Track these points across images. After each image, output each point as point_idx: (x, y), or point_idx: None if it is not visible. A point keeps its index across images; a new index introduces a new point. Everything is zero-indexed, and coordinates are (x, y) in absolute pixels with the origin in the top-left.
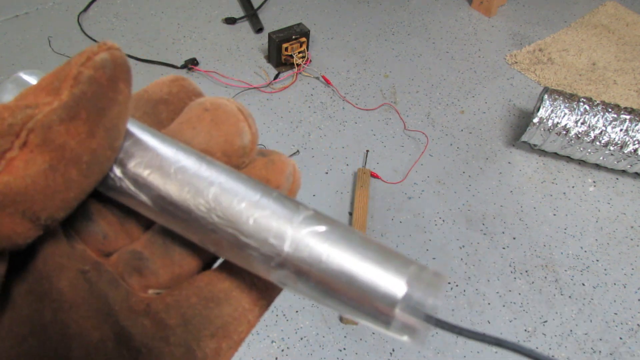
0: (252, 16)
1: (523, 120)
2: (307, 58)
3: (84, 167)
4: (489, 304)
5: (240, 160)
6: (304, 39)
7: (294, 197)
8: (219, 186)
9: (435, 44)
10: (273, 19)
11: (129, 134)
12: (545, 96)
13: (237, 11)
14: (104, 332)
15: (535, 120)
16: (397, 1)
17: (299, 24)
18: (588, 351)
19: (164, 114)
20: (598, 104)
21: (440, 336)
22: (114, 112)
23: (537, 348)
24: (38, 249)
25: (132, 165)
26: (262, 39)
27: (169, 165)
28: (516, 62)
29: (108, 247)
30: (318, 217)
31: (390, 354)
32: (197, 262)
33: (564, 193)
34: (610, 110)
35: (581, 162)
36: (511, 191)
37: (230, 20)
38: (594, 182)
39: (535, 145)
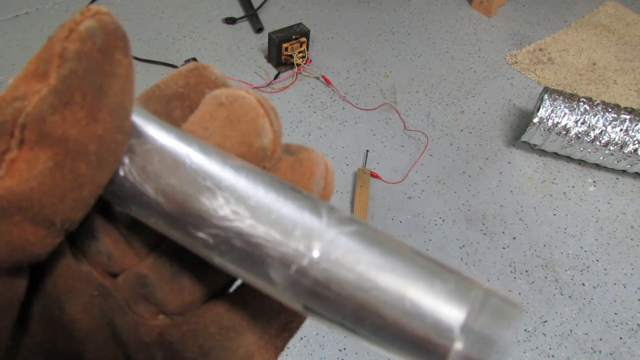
0: (252, 16)
1: (523, 120)
2: (307, 58)
3: (93, 158)
4: None
5: (261, 164)
6: (304, 39)
7: (328, 199)
8: (241, 180)
9: (435, 44)
10: (273, 19)
11: (135, 130)
12: (545, 96)
13: (237, 11)
14: None
15: (535, 120)
16: (397, 1)
17: (299, 24)
18: (588, 351)
19: (177, 112)
20: (598, 104)
21: None
22: (116, 88)
23: (537, 348)
24: (47, 269)
25: (139, 150)
26: (262, 39)
27: (184, 155)
28: (516, 62)
29: (114, 267)
30: (341, 216)
31: None
32: (207, 288)
33: (564, 193)
34: (610, 110)
35: (581, 162)
36: (511, 191)
37: (230, 20)
38: (594, 182)
39: (535, 145)
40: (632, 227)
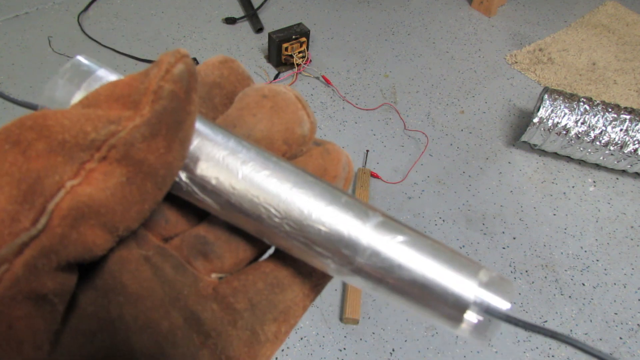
0: (252, 16)
1: (523, 120)
2: (307, 58)
3: (160, 180)
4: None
5: (299, 148)
6: (304, 39)
7: (349, 184)
8: (289, 194)
9: (435, 44)
10: (273, 19)
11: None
12: (545, 96)
13: (237, 11)
14: (173, 320)
15: (535, 120)
16: (397, 1)
17: (299, 24)
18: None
19: (217, 99)
20: (598, 104)
21: (440, 336)
22: (188, 124)
23: (537, 348)
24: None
25: (198, 170)
26: (262, 39)
27: (236, 170)
28: (516, 62)
29: (170, 231)
30: (388, 223)
31: (390, 354)
32: (257, 249)
33: (564, 193)
34: (610, 110)
35: (581, 162)
36: (511, 191)
37: (230, 20)
38: (594, 182)
39: (535, 145)
40: (632, 227)
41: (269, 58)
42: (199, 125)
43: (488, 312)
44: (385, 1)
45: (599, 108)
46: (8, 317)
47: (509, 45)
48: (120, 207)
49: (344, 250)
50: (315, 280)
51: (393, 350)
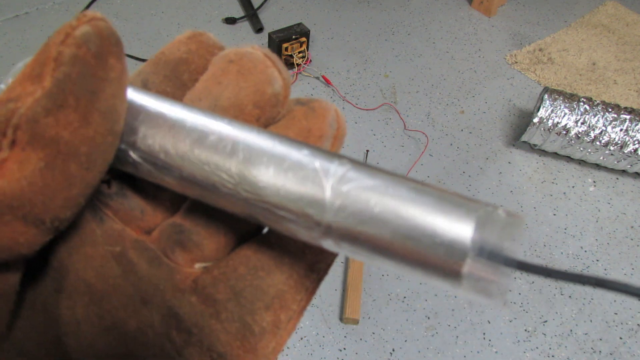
0: (252, 16)
1: (523, 120)
2: (307, 58)
3: (84, 159)
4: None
5: (274, 110)
6: (304, 39)
7: (340, 144)
8: (241, 155)
9: (435, 44)
10: (273, 19)
11: (136, 110)
12: (545, 96)
13: (237, 11)
14: (142, 319)
15: (535, 120)
16: (397, 1)
17: (299, 24)
18: (588, 351)
19: (185, 75)
20: (598, 104)
21: (440, 336)
22: (108, 92)
23: (537, 348)
24: (60, 242)
25: (145, 146)
26: (262, 39)
27: (183, 141)
28: (516, 62)
29: (148, 222)
30: (357, 169)
31: (390, 354)
32: (239, 233)
33: (564, 193)
34: (610, 110)
35: (581, 162)
36: (511, 191)
37: (230, 20)
38: (594, 182)
39: (535, 145)
40: (632, 227)
41: None
42: (144, 99)
43: (492, 258)
44: (385, 1)
45: (599, 108)
46: None
47: (509, 45)
48: (40, 196)
49: (307, 210)
50: (311, 257)
51: (393, 350)
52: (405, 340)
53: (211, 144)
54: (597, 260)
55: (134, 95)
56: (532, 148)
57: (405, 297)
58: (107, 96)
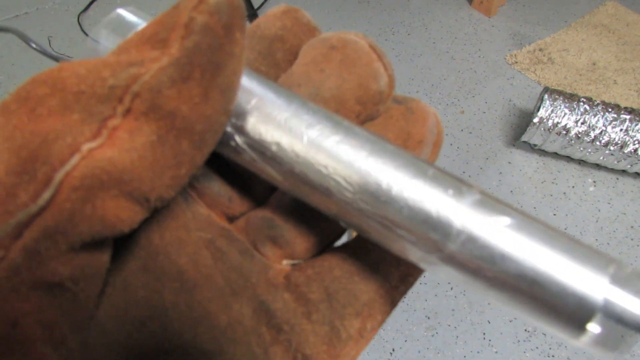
0: (252, 16)
1: (523, 120)
2: None
3: (197, 137)
4: (489, 303)
5: (376, 108)
6: None
7: (439, 152)
8: (364, 163)
9: (435, 44)
10: None
11: (248, 92)
12: (545, 96)
13: None
14: (233, 315)
15: (535, 120)
16: (397, 1)
17: None
18: (588, 351)
19: (279, 54)
20: (598, 104)
21: (440, 336)
22: (230, 68)
23: (537, 348)
24: (151, 220)
25: (256, 134)
26: None
27: (300, 135)
28: (516, 62)
29: (235, 210)
30: (488, 201)
31: (390, 354)
32: (332, 233)
33: (564, 193)
34: (610, 110)
35: (581, 162)
36: (511, 191)
37: None
38: (594, 182)
39: (535, 145)
40: (632, 227)
41: None
42: (255, 84)
43: (621, 320)
44: (385, 1)
45: (599, 108)
46: (11, 314)
47: (509, 45)
48: (149, 172)
49: (431, 234)
50: (404, 269)
51: (393, 350)
52: (405, 340)
53: (332, 146)
54: None
55: (244, 76)
56: (532, 148)
57: (405, 297)
58: (229, 72)
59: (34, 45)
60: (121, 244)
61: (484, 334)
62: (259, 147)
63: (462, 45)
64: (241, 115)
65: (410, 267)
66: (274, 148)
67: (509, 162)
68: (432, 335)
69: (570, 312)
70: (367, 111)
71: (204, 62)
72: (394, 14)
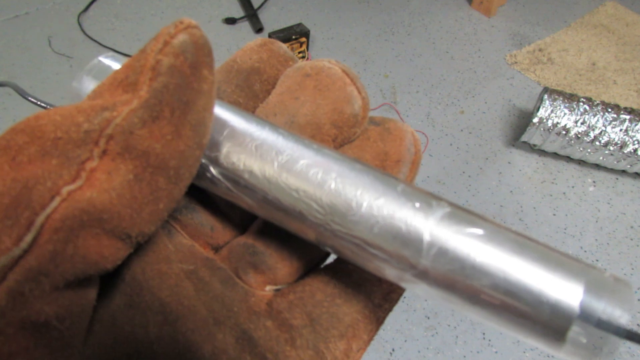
0: (252, 16)
1: (523, 120)
2: (307, 58)
3: (172, 173)
4: None
5: (352, 131)
6: (304, 39)
7: (417, 170)
8: (333, 185)
9: (435, 44)
10: (273, 19)
11: (220, 124)
12: (545, 96)
13: (237, 11)
14: (217, 344)
15: (535, 120)
16: (397, 1)
17: (299, 24)
18: None
19: (257, 86)
20: (598, 104)
21: (440, 336)
22: (200, 104)
23: (537, 348)
24: (134, 255)
25: (229, 163)
26: None
27: (271, 161)
28: (516, 62)
29: (218, 240)
30: (457, 214)
31: (390, 354)
32: (313, 257)
33: (564, 193)
34: (610, 110)
35: (581, 162)
36: (511, 191)
37: (230, 20)
38: (594, 182)
39: (535, 145)
40: (632, 227)
41: None
42: (228, 115)
43: (600, 325)
44: (385, 1)
45: (599, 108)
46: (1, 355)
47: (509, 45)
48: (129, 209)
49: (402, 251)
50: (387, 287)
51: (393, 350)
52: (405, 340)
53: (301, 170)
54: (597, 260)
55: (217, 108)
56: (531, 148)
57: (405, 297)
58: (199, 108)
59: (30, 99)
60: (108, 280)
61: (484, 333)
62: (233, 176)
63: (462, 45)
64: (214, 146)
65: (392, 284)
66: (246, 176)
67: (509, 162)
68: (432, 335)
69: (547, 320)
70: (343, 134)
71: (172, 101)
72: (393, 14)
